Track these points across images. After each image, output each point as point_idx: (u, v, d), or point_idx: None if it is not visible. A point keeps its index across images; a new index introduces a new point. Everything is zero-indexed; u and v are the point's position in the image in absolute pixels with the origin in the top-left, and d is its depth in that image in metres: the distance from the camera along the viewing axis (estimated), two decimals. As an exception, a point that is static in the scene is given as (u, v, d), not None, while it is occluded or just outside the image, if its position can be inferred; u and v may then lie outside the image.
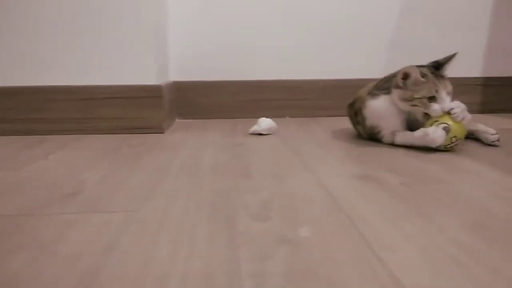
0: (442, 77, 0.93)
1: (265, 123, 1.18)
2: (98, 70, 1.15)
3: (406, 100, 0.93)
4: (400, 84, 0.93)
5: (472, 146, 0.98)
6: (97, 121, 1.16)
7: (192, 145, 1.02)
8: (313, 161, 0.85)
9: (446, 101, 0.90)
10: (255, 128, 1.17)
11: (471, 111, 1.53)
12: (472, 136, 1.07)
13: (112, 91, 1.15)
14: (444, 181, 0.70)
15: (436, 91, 0.89)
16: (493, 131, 1.02)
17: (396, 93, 0.95)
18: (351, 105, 1.09)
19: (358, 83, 1.48)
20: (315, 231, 0.49)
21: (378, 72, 1.50)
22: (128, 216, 0.55)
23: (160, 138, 1.11)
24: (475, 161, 0.83)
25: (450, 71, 1.54)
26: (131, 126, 1.17)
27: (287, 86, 1.52)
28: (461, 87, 1.53)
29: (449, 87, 0.91)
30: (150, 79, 1.16)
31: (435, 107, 0.90)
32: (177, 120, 1.48)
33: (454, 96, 1.47)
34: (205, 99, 1.50)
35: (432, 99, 0.90)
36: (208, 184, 0.69)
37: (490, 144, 1.00)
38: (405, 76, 0.93)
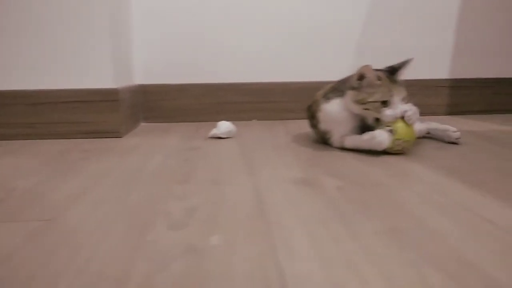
0: (396, 82, 0.90)
1: (224, 126, 1.16)
2: (53, 74, 1.13)
3: (359, 102, 0.90)
4: (355, 85, 0.91)
5: (428, 147, 0.98)
6: (52, 125, 1.14)
7: (145, 149, 1.01)
8: (260, 166, 0.83)
9: (399, 107, 0.88)
10: (214, 131, 1.16)
11: (439, 112, 1.54)
12: (431, 136, 1.07)
13: (67, 95, 1.13)
14: (382, 185, 0.69)
15: (391, 96, 0.87)
16: (454, 129, 1.02)
17: (349, 94, 0.92)
18: (309, 107, 1.07)
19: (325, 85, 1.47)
20: (227, 240, 0.48)
21: (346, 74, 1.49)
22: (41, 225, 0.53)
23: (116, 142, 1.10)
24: (421, 164, 0.82)
25: (419, 73, 1.55)
26: (87, 131, 1.15)
27: (255, 88, 1.50)
28: (429, 88, 1.53)
29: (404, 93, 0.90)
30: (106, 82, 1.14)
31: (388, 113, 0.88)
32: (142, 124, 1.47)
33: (423, 97, 1.47)
34: (171, 103, 1.48)
35: (385, 103, 0.88)
36: (140, 190, 0.68)
37: (454, 142, 1.00)
38: (361, 76, 0.90)
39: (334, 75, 1.50)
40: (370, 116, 0.91)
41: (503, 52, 1.56)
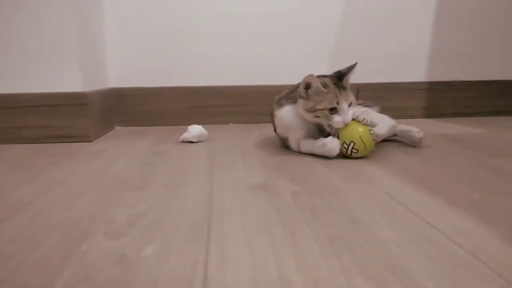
0: (344, 88, 0.89)
1: (194, 130, 1.15)
2: (20, 77, 1.12)
3: (309, 111, 0.90)
4: (303, 94, 0.90)
5: (394, 151, 0.97)
6: (20, 130, 1.13)
7: (111, 154, 0.99)
8: (222, 170, 0.82)
9: (347, 113, 0.87)
10: (185, 135, 1.15)
11: (415, 115, 1.54)
12: (398, 139, 1.07)
13: (35, 99, 1.12)
14: (337, 190, 0.68)
15: (338, 103, 0.87)
16: (417, 129, 1.02)
17: (300, 103, 0.92)
18: (271, 112, 1.07)
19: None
20: (161, 249, 0.47)
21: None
22: (-24, 234, 0.52)
23: (84, 147, 1.08)
24: (383, 169, 0.82)
25: (395, 75, 1.54)
26: (56, 135, 1.14)
27: (232, 92, 1.50)
28: (405, 91, 1.53)
29: (351, 98, 0.89)
30: (74, 86, 1.13)
31: (337, 119, 0.87)
32: (118, 127, 1.45)
33: (399, 100, 1.46)
34: (147, 106, 1.47)
35: (333, 110, 0.87)
36: (92, 196, 0.66)
37: (417, 142, 1.00)
38: (307, 86, 0.90)
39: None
40: (322, 123, 0.91)
41: (479, 55, 1.56)
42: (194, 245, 0.48)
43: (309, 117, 0.91)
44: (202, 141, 1.16)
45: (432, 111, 1.55)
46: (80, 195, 0.67)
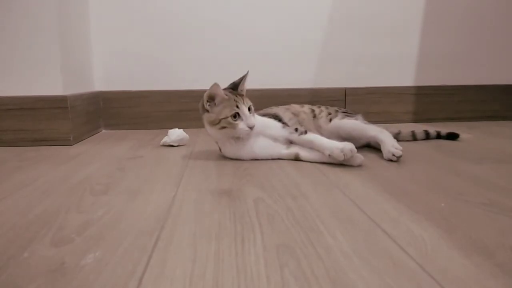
0: (240, 95, 0.91)
1: (175, 134, 1.14)
2: (-1, 80, 1.12)
3: (213, 124, 0.90)
4: (207, 107, 0.90)
5: (373, 156, 0.95)
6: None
7: (86, 158, 0.99)
8: (193, 175, 0.81)
9: (250, 117, 0.88)
10: (165, 139, 1.14)
11: (404, 120, 1.52)
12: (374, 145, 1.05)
13: (14, 102, 1.12)
14: (302, 197, 0.67)
15: (237, 106, 0.87)
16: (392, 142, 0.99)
17: (204, 118, 0.92)
18: None
19: (289, 93, 1.46)
20: (102, 258, 0.46)
21: (309, 82, 1.48)
22: None
23: (61, 150, 1.08)
24: (355, 175, 0.80)
25: (384, 80, 1.53)
26: (36, 138, 1.14)
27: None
28: (394, 96, 1.51)
29: (249, 102, 0.91)
30: (55, 89, 1.13)
31: (241, 125, 0.88)
32: (104, 131, 1.45)
33: (388, 105, 1.45)
34: (133, 109, 1.47)
35: (237, 117, 0.87)
36: (50, 202, 0.65)
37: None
38: (210, 97, 0.90)
39: (296, 83, 1.49)
40: (229, 135, 0.90)
41: (468, 60, 1.54)
42: (138, 253, 0.47)
43: (215, 132, 0.91)
44: (183, 145, 1.15)
45: (421, 116, 1.53)
46: (41, 200, 0.66)
